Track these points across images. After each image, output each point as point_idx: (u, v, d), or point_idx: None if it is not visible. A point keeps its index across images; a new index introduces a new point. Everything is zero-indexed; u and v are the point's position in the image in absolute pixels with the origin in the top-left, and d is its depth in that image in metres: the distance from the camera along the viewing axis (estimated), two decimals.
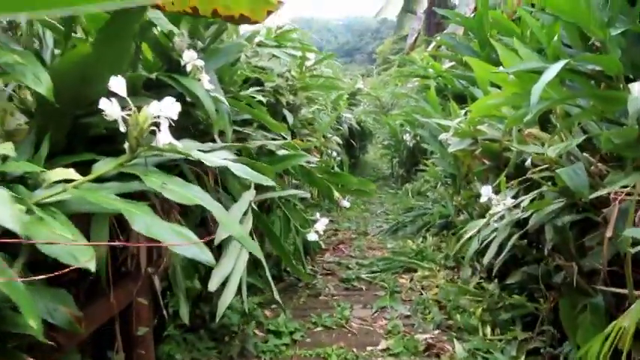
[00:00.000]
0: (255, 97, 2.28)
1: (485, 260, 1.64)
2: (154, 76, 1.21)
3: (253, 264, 2.26)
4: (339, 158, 5.16)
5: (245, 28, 2.83)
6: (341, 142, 5.07)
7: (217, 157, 0.88)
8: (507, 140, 1.99)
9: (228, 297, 1.59)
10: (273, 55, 2.83)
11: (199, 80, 1.24)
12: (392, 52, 24.27)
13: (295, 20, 3.29)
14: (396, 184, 6.41)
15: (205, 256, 0.69)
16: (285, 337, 2.08)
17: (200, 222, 2.06)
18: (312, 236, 2.35)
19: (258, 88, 2.50)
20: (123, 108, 0.84)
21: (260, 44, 2.90)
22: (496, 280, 2.45)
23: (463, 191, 3.03)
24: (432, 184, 4.95)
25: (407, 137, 6.29)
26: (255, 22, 1.15)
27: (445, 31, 5.71)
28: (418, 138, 6.13)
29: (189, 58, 1.23)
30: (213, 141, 1.35)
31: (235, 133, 1.92)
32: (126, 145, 0.85)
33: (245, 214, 1.77)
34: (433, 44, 6.01)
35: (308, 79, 3.54)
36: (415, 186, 5.29)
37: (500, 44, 1.49)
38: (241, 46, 1.47)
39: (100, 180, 0.92)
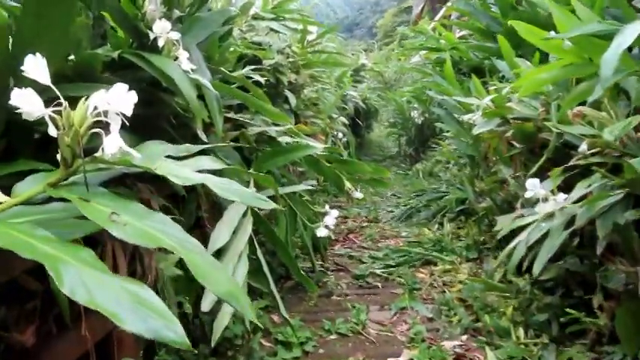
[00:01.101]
0: (251, 77, 2.00)
1: (536, 270, 1.37)
2: (115, 54, 0.93)
3: (256, 264, 2.03)
4: (345, 139, 4.88)
5: None
6: (347, 122, 4.79)
7: (194, 168, 0.62)
8: (544, 120, 1.72)
9: (224, 319, 1.35)
10: (271, 29, 2.53)
11: (176, 59, 0.97)
12: (393, 25, 23.69)
13: None
14: (404, 164, 6.14)
15: (173, 333, 0.43)
16: (296, 348, 1.85)
17: (195, 222, 1.82)
18: (321, 232, 2.10)
19: (255, 66, 2.21)
20: (50, 102, 0.57)
21: (256, 17, 2.61)
22: (527, 275, 2.21)
23: (485, 175, 2.75)
24: (444, 164, 4.68)
25: (415, 114, 5.99)
26: None
27: None
28: (427, 115, 5.84)
29: (161, 30, 0.96)
30: (196, 138, 1.08)
31: (230, 121, 1.65)
32: (59, 157, 0.58)
33: (244, 215, 1.52)
34: (441, 13, 5.64)
35: (310, 56, 3.24)
36: (426, 166, 5.01)
37: (553, 3, 1.20)
38: (227, 14, 1.19)
39: (35, 203, 0.66)
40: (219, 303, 1.36)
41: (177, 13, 1.12)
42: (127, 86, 0.61)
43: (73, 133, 0.55)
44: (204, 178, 0.56)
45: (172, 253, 1.30)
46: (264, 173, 1.70)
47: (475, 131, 1.93)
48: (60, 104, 0.57)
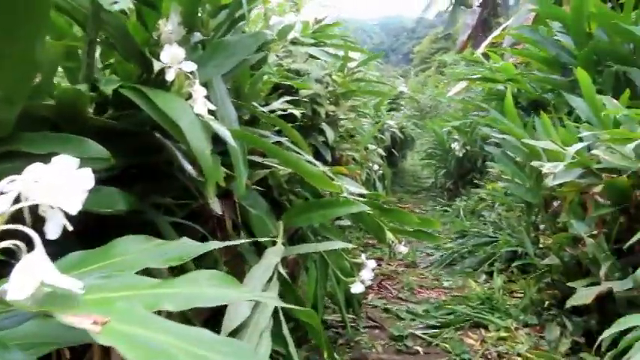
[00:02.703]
0: (285, 110, 1.76)
1: None
2: (109, 91, 0.69)
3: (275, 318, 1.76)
4: (380, 171, 4.61)
5: (275, 21, 2.32)
6: (384, 153, 4.51)
7: (182, 304, 0.34)
8: None
9: None
10: (310, 56, 2.30)
11: (189, 97, 0.72)
12: (430, 52, 23.44)
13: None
14: (442, 198, 5.78)
15: None
16: None
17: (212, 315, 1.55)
18: (357, 288, 1.81)
19: (292, 97, 1.97)
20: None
21: (295, 42, 2.38)
22: (602, 350, 1.85)
23: (546, 225, 2.42)
24: (488, 203, 4.32)
25: (455, 146, 5.67)
26: None
27: (505, 26, 5.06)
28: (469, 148, 5.51)
29: (170, 58, 0.71)
30: (199, 214, 0.83)
31: (255, 165, 1.39)
32: None
33: (269, 281, 1.25)
34: (489, 39, 5.34)
35: (351, 84, 3.00)
36: (468, 204, 4.66)
37: None
38: (262, 39, 0.94)
39: None
40: None
41: (198, 36, 0.88)
42: (76, 161, 0.35)
43: None
44: (178, 344, 0.29)
45: None
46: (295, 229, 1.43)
47: (552, 183, 1.61)
48: None
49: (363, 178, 4.08)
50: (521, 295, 2.56)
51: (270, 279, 1.24)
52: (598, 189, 1.46)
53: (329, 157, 2.16)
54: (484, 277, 2.90)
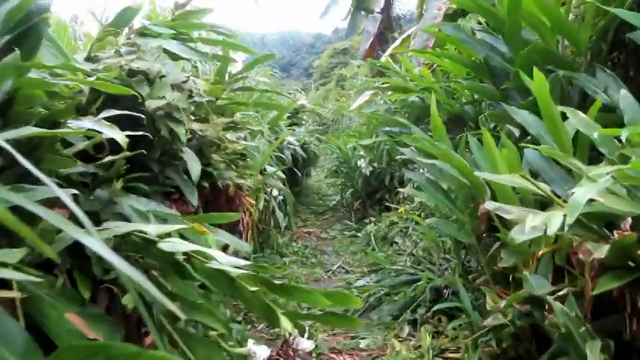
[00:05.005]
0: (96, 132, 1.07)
1: None
2: None
3: None
4: (280, 197, 3.98)
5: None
6: (284, 176, 3.90)
7: None
8: None
9: None
10: (166, 52, 1.61)
11: None
12: (329, 66, 23.47)
13: None
14: (350, 220, 5.29)
15: None
16: None
17: None
18: None
19: (127, 112, 1.26)
20: None
21: (144, 32, 1.68)
22: None
23: (489, 275, 1.93)
24: (401, 227, 3.88)
25: (362, 164, 5.22)
26: None
27: (408, 34, 4.72)
28: (375, 165, 5.10)
29: None
30: None
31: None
32: None
33: None
34: (398, 42, 4.97)
35: (235, 94, 2.34)
36: (379, 228, 4.18)
37: None
38: None
39: None
40: None
41: None
42: None
43: None
44: None
45: None
46: None
47: (519, 237, 1.08)
48: None
49: (261, 206, 3.43)
50: (455, 354, 2.06)
51: None
52: (602, 252, 0.94)
53: (194, 200, 1.47)
54: (407, 329, 2.36)
